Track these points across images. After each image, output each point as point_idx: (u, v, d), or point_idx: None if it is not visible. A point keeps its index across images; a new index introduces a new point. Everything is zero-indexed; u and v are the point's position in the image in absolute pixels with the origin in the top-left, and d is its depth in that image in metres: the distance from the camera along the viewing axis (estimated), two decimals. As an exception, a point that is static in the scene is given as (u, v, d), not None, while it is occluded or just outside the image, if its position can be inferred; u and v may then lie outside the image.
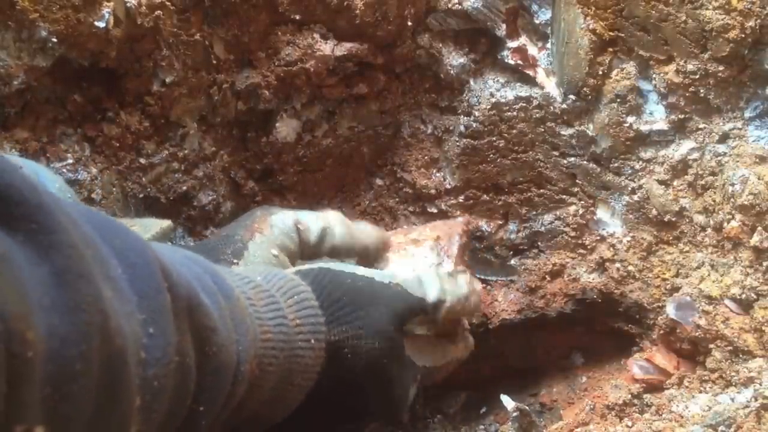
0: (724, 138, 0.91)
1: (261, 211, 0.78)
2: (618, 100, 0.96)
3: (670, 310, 0.95)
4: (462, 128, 1.04)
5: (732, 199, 0.89)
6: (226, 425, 0.49)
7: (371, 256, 0.84)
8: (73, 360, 0.29)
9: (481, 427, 1.03)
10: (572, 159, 1.03)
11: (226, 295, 0.46)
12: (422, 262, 0.86)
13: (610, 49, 0.95)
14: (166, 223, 0.68)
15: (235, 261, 0.73)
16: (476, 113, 1.03)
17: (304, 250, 0.77)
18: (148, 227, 0.65)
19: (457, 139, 1.05)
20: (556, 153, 1.04)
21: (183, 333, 0.38)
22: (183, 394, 0.38)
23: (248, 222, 0.77)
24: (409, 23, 0.98)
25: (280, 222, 0.77)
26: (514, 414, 0.91)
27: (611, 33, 0.94)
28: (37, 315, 0.28)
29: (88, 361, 0.30)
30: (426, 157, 1.08)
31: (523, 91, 1.01)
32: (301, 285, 0.62)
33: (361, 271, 0.71)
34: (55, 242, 0.30)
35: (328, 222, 0.79)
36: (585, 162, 1.02)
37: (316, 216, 0.80)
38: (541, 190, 1.07)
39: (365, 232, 0.83)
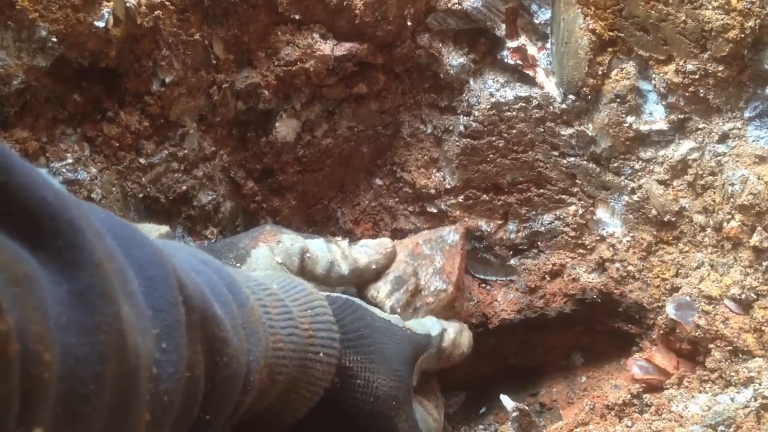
0: (723, 138, 0.91)
1: (271, 227, 0.80)
2: (618, 100, 0.96)
3: (670, 310, 0.95)
4: (462, 128, 1.04)
5: (732, 199, 0.89)
6: None
7: (380, 275, 0.86)
8: (86, 380, 0.29)
9: (481, 426, 1.03)
10: (572, 159, 1.03)
11: (240, 304, 0.46)
12: (397, 267, 0.89)
13: (610, 49, 0.95)
14: (165, 228, 0.68)
15: (237, 265, 0.73)
16: (476, 113, 1.03)
17: (309, 280, 0.77)
18: (147, 233, 0.65)
19: (456, 139, 1.05)
20: (555, 153, 1.04)
21: (195, 346, 0.38)
22: (191, 405, 0.38)
23: (255, 234, 0.78)
24: (409, 23, 0.98)
25: (288, 242, 0.78)
26: (514, 414, 0.91)
27: (611, 33, 0.94)
28: (54, 335, 0.28)
29: (102, 381, 0.30)
30: (426, 157, 1.08)
31: (523, 91, 1.01)
32: (320, 300, 0.62)
33: (380, 313, 0.76)
34: (80, 260, 0.30)
35: (335, 256, 0.81)
36: (585, 162, 1.02)
37: (327, 248, 0.81)
38: (541, 190, 1.07)
39: (370, 256, 0.84)
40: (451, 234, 0.95)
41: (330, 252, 0.81)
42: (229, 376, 0.41)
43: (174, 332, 0.35)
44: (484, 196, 1.09)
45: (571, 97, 0.98)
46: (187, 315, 0.37)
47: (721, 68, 0.88)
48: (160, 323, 0.35)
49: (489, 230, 1.10)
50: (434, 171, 1.09)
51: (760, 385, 0.84)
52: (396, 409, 0.66)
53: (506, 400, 0.94)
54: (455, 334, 0.86)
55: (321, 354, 0.56)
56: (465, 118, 1.04)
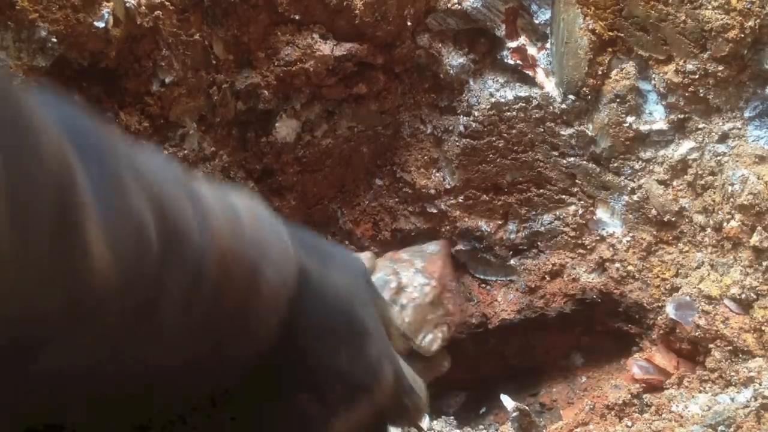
0: (723, 138, 0.92)
1: None
2: (617, 100, 0.96)
3: (670, 310, 0.95)
4: (461, 128, 1.04)
5: (732, 199, 0.89)
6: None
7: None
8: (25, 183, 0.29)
9: (481, 427, 1.03)
10: (572, 159, 1.03)
11: (191, 197, 0.45)
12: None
13: (610, 49, 0.95)
14: None
15: None
16: (476, 113, 1.03)
17: None
18: None
19: (456, 139, 1.05)
20: (555, 153, 1.04)
21: (140, 205, 0.37)
22: (143, 258, 0.37)
23: None
24: (409, 23, 0.98)
25: None
26: (514, 414, 0.91)
27: (611, 33, 0.94)
28: None
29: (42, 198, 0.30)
30: (426, 157, 1.08)
31: (523, 91, 1.01)
32: (267, 210, 0.59)
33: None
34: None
35: None
36: (585, 162, 1.02)
37: None
38: (541, 190, 1.07)
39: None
40: (432, 246, 0.98)
41: None
42: (180, 239, 0.41)
43: (112, 187, 0.35)
44: (484, 196, 1.09)
45: (571, 97, 0.98)
46: (134, 179, 0.37)
47: (721, 68, 0.88)
48: (97, 175, 0.35)
49: (489, 230, 1.10)
50: (434, 171, 1.09)
51: (760, 385, 0.84)
52: (361, 310, 0.58)
53: (506, 400, 0.94)
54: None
55: (279, 245, 0.52)
56: (465, 118, 1.04)
